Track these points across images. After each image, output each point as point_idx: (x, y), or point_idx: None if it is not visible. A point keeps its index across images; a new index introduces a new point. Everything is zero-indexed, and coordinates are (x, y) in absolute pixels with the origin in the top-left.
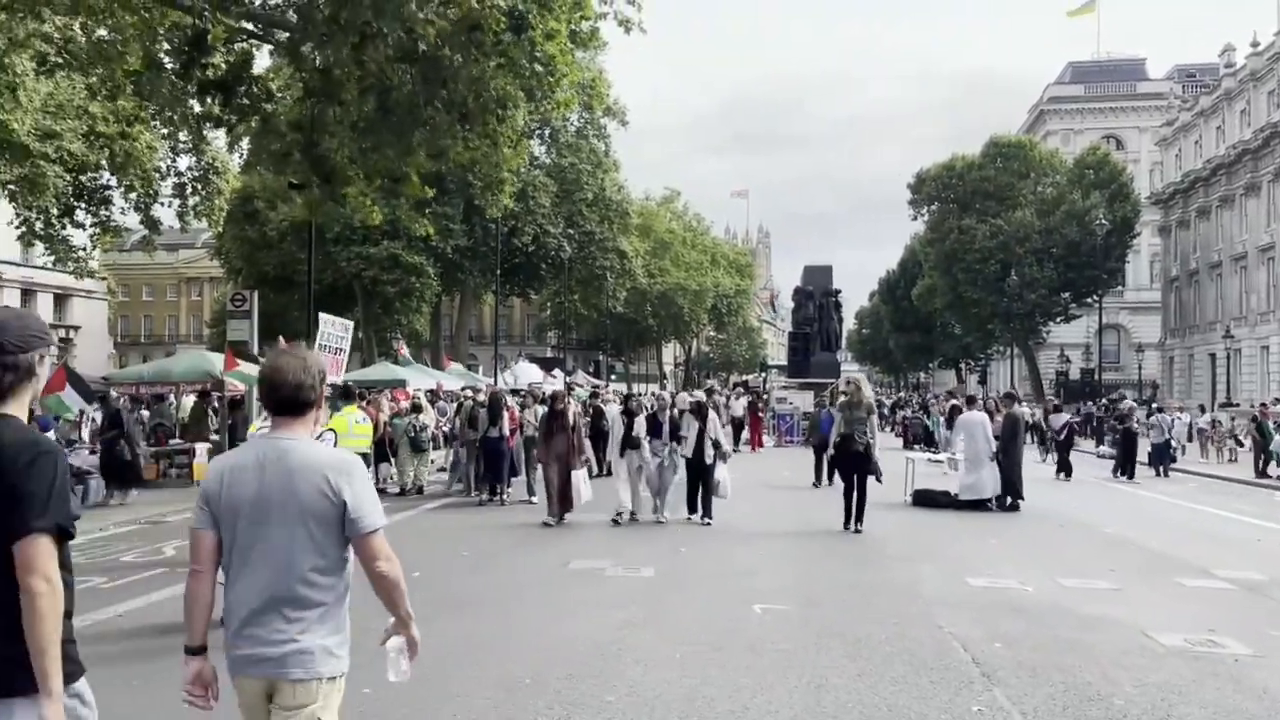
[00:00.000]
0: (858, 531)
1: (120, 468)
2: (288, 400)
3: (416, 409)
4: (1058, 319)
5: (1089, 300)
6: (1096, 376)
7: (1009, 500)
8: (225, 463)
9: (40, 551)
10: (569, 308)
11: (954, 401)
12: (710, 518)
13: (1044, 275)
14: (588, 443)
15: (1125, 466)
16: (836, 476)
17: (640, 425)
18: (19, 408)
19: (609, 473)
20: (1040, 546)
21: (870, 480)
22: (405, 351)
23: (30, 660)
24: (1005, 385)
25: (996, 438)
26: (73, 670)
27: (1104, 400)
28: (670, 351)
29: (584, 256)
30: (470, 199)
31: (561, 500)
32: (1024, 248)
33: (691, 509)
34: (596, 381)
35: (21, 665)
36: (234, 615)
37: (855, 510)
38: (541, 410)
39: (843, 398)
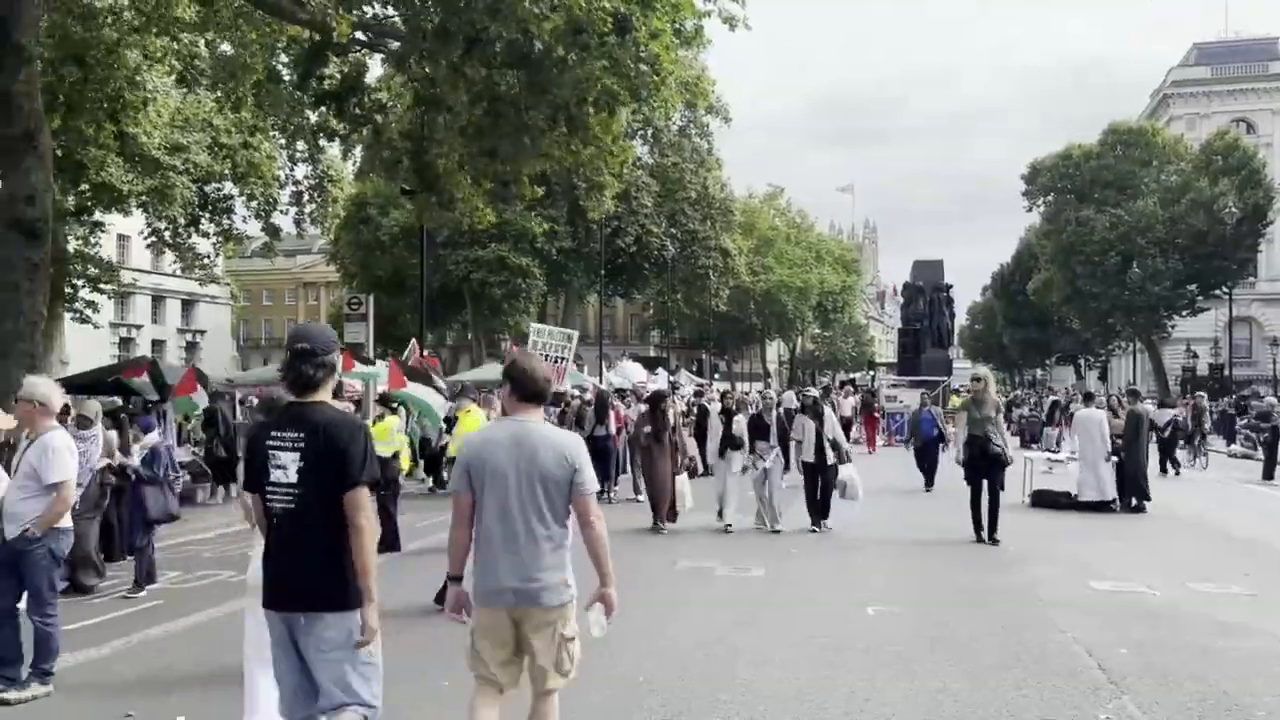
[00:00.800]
0: (994, 542)
1: (215, 466)
2: (538, 393)
3: None
4: (1183, 312)
5: (1217, 292)
6: (1226, 372)
7: (1134, 501)
8: (480, 439)
9: (364, 497)
10: (672, 307)
11: (1054, 397)
12: (825, 520)
13: (1168, 267)
14: (692, 443)
15: (1268, 468)
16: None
17: (739, 425)
18: (326, 395)
19: (712, 474)
20: (1167, 549)
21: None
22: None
23: (335, 586)
24: (1126, 382)
25: (1117, 437)
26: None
27: (1234, 396)
28: (774, 350)
29: (687, 255)
30: (575, 201)
31: (666, 504)
32: (1146, 238)
33: (813, 517)
34: (700, 380)
35: (336, 587)
36: (487, 559)
37: (989, 518)
38: (642, 409)
39: (964, 395)
